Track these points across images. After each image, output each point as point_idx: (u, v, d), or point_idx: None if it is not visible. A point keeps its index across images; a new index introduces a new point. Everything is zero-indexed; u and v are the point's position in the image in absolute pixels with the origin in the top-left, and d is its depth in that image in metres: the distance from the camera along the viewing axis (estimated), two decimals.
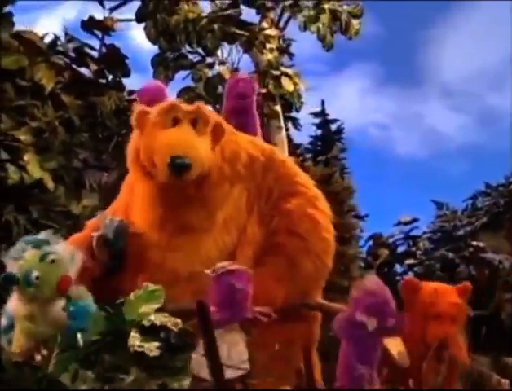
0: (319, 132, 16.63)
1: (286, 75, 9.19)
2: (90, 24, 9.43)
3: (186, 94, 8.90)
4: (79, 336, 2.49)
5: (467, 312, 3.16)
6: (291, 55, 13.87)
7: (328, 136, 16.73)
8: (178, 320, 2.75)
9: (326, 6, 11.47)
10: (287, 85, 9.06)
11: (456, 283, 3.35)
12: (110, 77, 9.44)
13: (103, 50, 9.69)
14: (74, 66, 9.21)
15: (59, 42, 9.03)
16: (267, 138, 9.48)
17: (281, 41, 9.69)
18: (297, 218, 3.25)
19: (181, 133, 3.04)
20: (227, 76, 8.86)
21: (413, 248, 16.73)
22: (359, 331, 2.67)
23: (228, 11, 8.99)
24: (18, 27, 8.72)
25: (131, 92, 9.28)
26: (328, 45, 11.65)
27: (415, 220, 17.05)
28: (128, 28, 9.42)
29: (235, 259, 3.15)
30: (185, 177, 2.99)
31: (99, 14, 9.79)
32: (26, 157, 7.34)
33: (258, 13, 10.57)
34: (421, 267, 15.76)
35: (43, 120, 7.82)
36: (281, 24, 10.63)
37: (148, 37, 9.09)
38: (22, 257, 2.73)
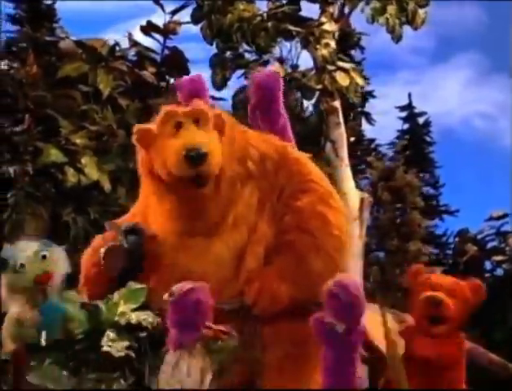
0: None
1: (343, 69, 9.04)
2: (149, 29, 9.65)
3: (241, 92, 8.94)
4: (43, 334, 2.55)
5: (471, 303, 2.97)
6: (362, 49, 13.66)
7: (416, 130, 16.34)
8: (158, 319, 2.76)
9: None
10: (342, 79, 8.90)
11: None
12: (172, 80, 9.66)
13: (166, 53, 9.96)
14: (137, 70, 9.49)
15: (117, 48, 9.31)
16: (326, 134, 9.44)
17: (336, 35, 9.52)
18: (307, 216, 3.19)
19: (189, 131, 3.04)
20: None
21: (503, 244, 16.12)
22: (331, 333, 2.57)
23: (284, 8, 8.95)
24: (109, 35, 9.16)
25: None
26: (397, 36, 11.34)
27: (506, 215, 16.38)
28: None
29: (245, 257, 3.16)
30: (203, 168, 2.99)
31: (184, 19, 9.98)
32: (84, 160, 7.61)
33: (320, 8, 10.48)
34: (511, 264, 15.16)
35: (102, 123, 8.10)
36: (343, 18, 10.46)
37: (205, 38, 9.21)
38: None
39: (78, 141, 7.75)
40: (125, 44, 9.93)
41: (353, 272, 8.41)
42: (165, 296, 2.56)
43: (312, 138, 9.25)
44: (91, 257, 3.22)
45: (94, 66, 8.65)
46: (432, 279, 2.97)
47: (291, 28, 8.83)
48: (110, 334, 2.64)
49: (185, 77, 3.77)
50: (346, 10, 10.81)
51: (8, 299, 2.87)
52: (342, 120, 9.35)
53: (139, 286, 2.90)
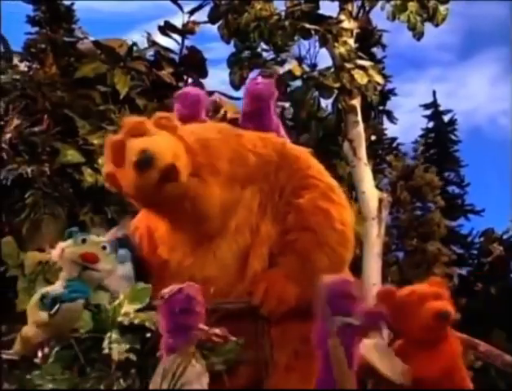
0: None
1: (361, 67, 8.96)
2: (166, 29, 9.67)
3: None
4: (56, 306, 2.57)
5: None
6: (384, 47, 13.55)
7: (441, 128, 16.16)
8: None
9: None
10: (360, 78, 8.82)
11: None
12: (190, 80, 9.67)
13: (184, 52, 9.96)
14: (155, 70, 9.51)
15: (135, 48, 9.33)
16: (344, 133, 9.35)
17: (354, 33, 9.43)
18: (309, 212, 3.17)
19: (131, 145, 2.97)
20: (297, 72, 8.81)
21: None
22: (344, 335, 2.54)
23: (301, 7, 8.89)
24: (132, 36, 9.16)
25: (210, 93, 9.42)
26: (418, 34, 11.24)
27: None
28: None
29: (249, 260, 3.14)
30: (150, 173, 2.90)
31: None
32: (100, 160, 7.64)
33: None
34: None
35: (120, 124, 8.08)
36: (361, 15, 10.38)
37: (222, 37, 9.20)
38: None
39: (95, 141, 7.79)
40: (145, 44, 10.01)
41: (372, 272, 8.34)
42: (157, 302, 2.54)
43: (331, 137, 9.20)
44: None
45: (112, 66, 8.69)
46: (417, 292, 2.87)
47: (308, 26, 8.77)
48: (112, 335, 2.62)
49: (184, 90, 3.79)
50: (366, 7, 10.76)
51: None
52: (360, 118, 9.27)
53: (143, 286, 2.88)
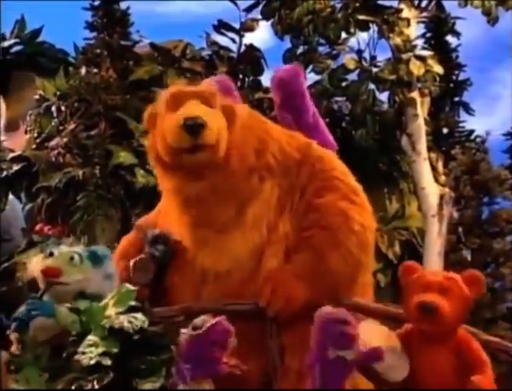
0: None
1: (419, 58, 8.60)
2: (222, 28, 9.65)
3: (313, 87, 8.75)
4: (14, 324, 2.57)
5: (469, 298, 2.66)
6: (458, 35, 13.00)
7: None
8: (144, 323, 2.69)
9: None
10: (416, 69, 8.47)
11: None
12: (246, 79, 9.60)
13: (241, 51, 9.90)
14: (211, 70, 9.50)
15: (190, 48, 9.37)
16: (403, 127, 9.00)
17: (411, 22, 9.05)
18: (328, 212, 3.08)
19: (191, 105, 3.00)
20: (350, 66, 8.58)
21: None
22: (334, 368, 2.47)
23: None
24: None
25: (267, 90, 9.33)
26: (493, 19, 10.72)
27: None
28: None
29: (264, 258, 3.06)
30: (202, 139, 2.93)
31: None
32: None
33: None
34: None
35: None
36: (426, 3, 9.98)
37: (276, 33, 9.10)
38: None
39: (147, 142, 7.85)
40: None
41: None
42: (189, 331, 2.53)
43: (388, 131, 8.93)
44: (120, 260, 3.23)
45: (166, 68, 8.77)
46: (424, 278, 2.67)
47: (363, 17, 8.52)
48: (91, 338, 2.59)
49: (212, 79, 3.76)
50: None
51: None
52: (420, 111, 8.91)
53: (128, 288, 2.83)
